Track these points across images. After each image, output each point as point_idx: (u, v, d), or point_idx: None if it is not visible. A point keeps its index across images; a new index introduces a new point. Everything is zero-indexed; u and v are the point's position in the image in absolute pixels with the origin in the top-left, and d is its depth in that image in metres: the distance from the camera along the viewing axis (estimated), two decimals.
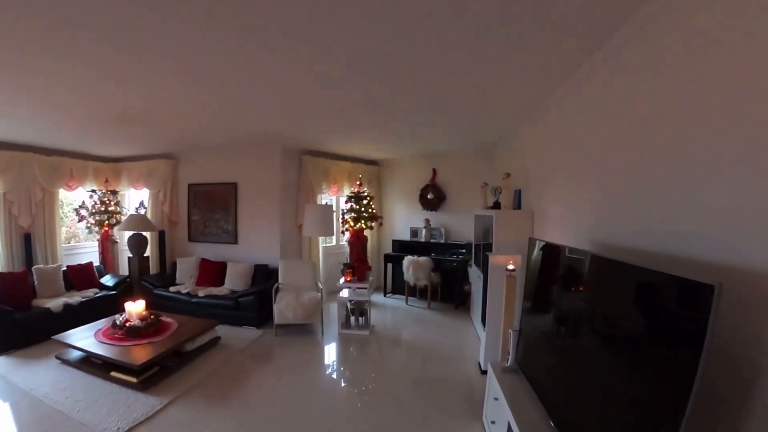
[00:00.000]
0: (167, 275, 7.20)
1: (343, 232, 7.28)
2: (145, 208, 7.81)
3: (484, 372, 4.35)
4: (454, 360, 4.88)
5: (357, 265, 5.67)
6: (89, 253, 8.13)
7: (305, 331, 5.83)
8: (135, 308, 5.10)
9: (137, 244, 7.40)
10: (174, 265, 7.22)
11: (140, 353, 4.25)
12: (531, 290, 3.11)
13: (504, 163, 6.18)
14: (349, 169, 7.88)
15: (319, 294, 5.77)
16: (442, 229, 7.67)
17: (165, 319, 5.30)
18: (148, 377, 4.11)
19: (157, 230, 7.64)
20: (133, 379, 4.04)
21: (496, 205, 5.34)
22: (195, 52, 2.87)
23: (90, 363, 4.44)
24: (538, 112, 4.33)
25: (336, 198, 8.17)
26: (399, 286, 8.01)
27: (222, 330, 5.59)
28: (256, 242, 7.04)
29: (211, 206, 7.40)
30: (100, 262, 7.84)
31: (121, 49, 2.79)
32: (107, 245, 7.95)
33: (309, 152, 7.14)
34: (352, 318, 5.78)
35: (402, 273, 7.37)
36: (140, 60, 3.00)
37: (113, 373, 4.16)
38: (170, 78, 3.40)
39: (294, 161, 7.06)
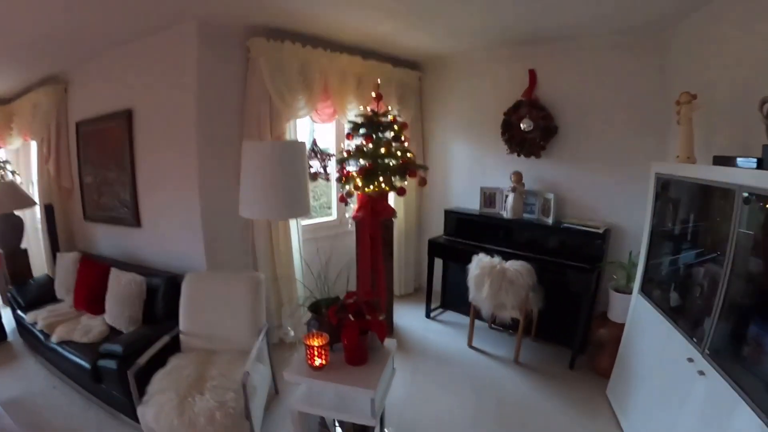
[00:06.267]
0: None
1: (343, 200, 3.56)
2: None
3: None
4: None
5: (346, 323, 1.88)
6: None
7: None
8: None
9: (4, 230, 4.46)
10: None
11: None
12: None
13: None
14: (358, 70, 3.94)
15: (246, 387, 2.19)
16: (550, 196, 3.75)
17: None
18: None
19: (39, 204, 4.62)
20: None
21: None
22: None
23: None
24: None
25: (335, 126, 4.27)
26: (455, 298, 4.34)
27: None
28: (166, 226, 3.59)
29: (104, 158, 4.02)
30: None
31: None
32: None
33: (266, 32, 3.31)
34: None
35: (461, 276, 3.61)
36: None
37: None
38: None
39: (232, 53, 3.31)
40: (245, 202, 2.40)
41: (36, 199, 4.62)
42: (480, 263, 3.30)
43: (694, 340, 2.01)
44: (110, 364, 2.62)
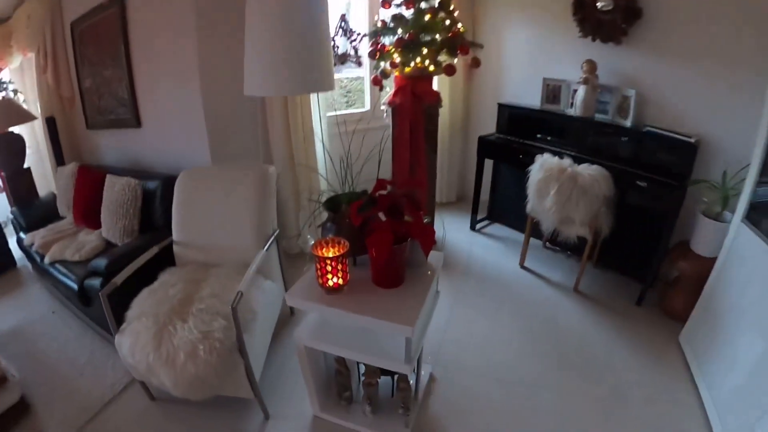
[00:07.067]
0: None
1: (378, 82, 2.90)
2: None
3: None
4: None
5: (375, 226, 1.26)
6: None
7: (225, 399, 1.91)
8: None
9: (5, 150, 4.01)
10: None
11: None
12: None
13: None
14: None
15: (237, 313, 1.67)
16: (630, 93, 2.95)
17: None
18: None
19: (40, 118, 4.17)
20: None
21: None
22: None
23: None
24: None
25: (367, 3, 3.51)
26: (505, 209, 3.79)
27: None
28: (167, 121, 3.11)
29: (100, 54, 3.49)
30: None
31: None
32: None
33: None
34: (358, 389, 1.71)
35: (514, 182, 3.10)
36: None
37: None
38: None
39: None
40: (251, 76, 1.76)
41: (38, 113, 4.21)
42: (545, 165, 2.61)
43: None
44: (96, 283, 2.22)
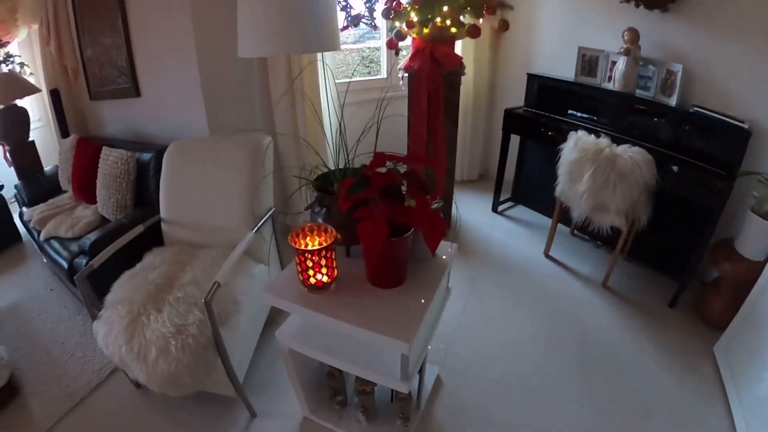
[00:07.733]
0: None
1: (393, 45, 2.63)
2: None
3: None
4: None
5: (367, 212, 1.00)
6: None
7: (214, 397, 1.74)
8: None
9: (8, 124, 3.91)
10: None
11: None
12: None
13: None
14: None
15: (211, 307, 1.47)
16: (677, 68, 2.58)
17: None
18: None
19: (44, 90, 4.09)
20: None
21: None
22: None
23: None
24: None
25: None
26: (531, 191, 3.55)
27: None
28: (165, 88, 2.94)
29: (99, 22, 3.33)
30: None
31: None
32: None
33: None
34: (353, 393, 1.51)
35: (543, 161, 2.91)
36: None
37: None
38: None
39: None
40: (245, 36, 1.52)
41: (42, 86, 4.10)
42: (580, 144, 2.31)
43: None
44: (83, 263, 2.09)
